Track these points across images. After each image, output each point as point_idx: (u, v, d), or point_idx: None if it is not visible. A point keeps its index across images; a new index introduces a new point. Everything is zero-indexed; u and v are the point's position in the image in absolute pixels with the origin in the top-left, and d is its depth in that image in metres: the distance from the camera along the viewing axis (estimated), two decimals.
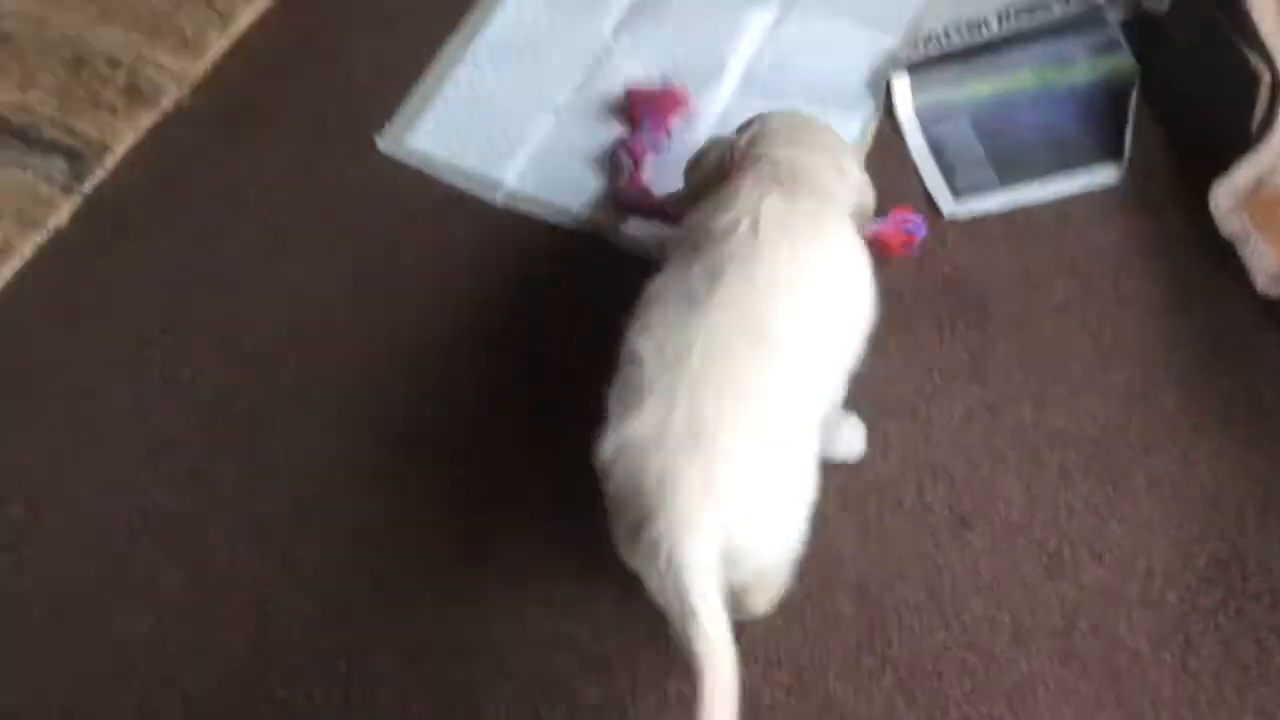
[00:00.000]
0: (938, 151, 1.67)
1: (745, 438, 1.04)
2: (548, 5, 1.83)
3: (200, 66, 1.80)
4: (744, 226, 1.16)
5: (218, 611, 1.37)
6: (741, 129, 1.36)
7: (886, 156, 1.66)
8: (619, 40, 1.78)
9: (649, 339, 1.08)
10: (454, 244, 1.62)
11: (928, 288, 1.56)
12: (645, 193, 1.60)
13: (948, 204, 1.63)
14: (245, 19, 1.85)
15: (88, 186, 1.70)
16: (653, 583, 1.00)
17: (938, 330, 1.53)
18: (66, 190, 1.69)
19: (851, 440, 1.40)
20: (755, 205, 1.18)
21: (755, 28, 1.78)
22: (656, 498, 1.00)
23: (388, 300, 1.58)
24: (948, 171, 1.66)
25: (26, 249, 1.65)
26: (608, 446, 1.05)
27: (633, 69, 1.74)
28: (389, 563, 1.40)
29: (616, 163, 1.64)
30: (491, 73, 1.77)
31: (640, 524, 1.00)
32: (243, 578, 1.40)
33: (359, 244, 1.63)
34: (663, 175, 1.61)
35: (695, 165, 1.40)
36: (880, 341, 1.41)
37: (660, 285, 1.16)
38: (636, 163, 1.62)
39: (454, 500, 1.44)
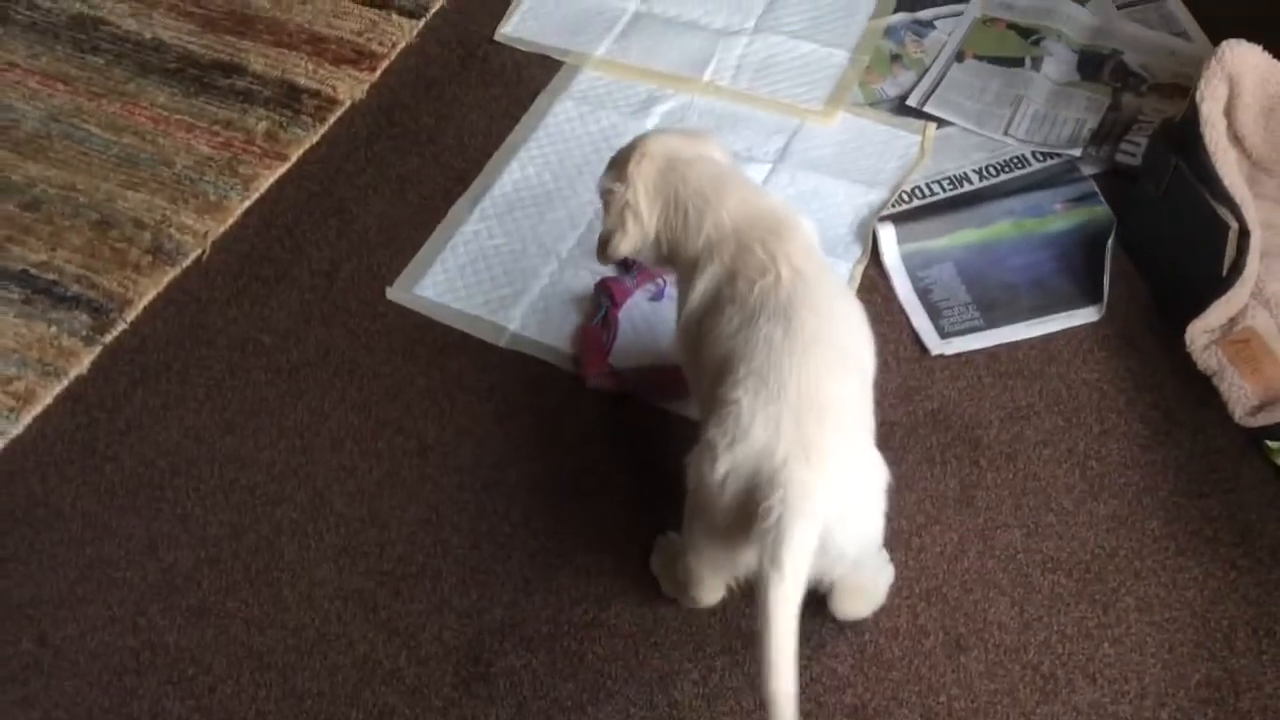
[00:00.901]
0: (924, 295, 1.75)
1: (844, 448, 1.22)
2: (551, 165, 1.94)
3: (222, 227, 1.90)
4: (783, 272, 1.30)
5: None
6: (617, 164, 1.45)
7: (874, 298, 1.74)
8: None
9: (742, 387, 1.22)
10: (458, 384, 1.68)
11: (918, 422, 1.62)
12: (601, 352, 1.68)
13: (935, 344, 1.70)
14: (266, 183, 1.97)
15: (109, 338, 1.77)
16: (758, 558, 1.14)
17: (929, 463, 1.58)
18: (88, 342, 1.77)
19: (885, 579, 1.44)
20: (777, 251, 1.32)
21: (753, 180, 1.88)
22: (772, 494, 1.15)
23: (392, 436, 1.63)
24: (934, 313, 1.73)
25: (48, 397, 1.71)
26: (719, 469, 1.20)
27: None
28: (392, 698, 1.41)
29: (597, 299, 1.72)
30: (498, 225, 1.87)
31: (755, 515, 1.15)
32: (247, 712, 1.40)
33: (365, 385, 1.69)
34: (655, 319, 1.70)
35: (609, 237, 1.46)
36: None
37: (726, 341, 1.29)
38: (615, 303, 1.71)
39: (457, 633, 1.46)
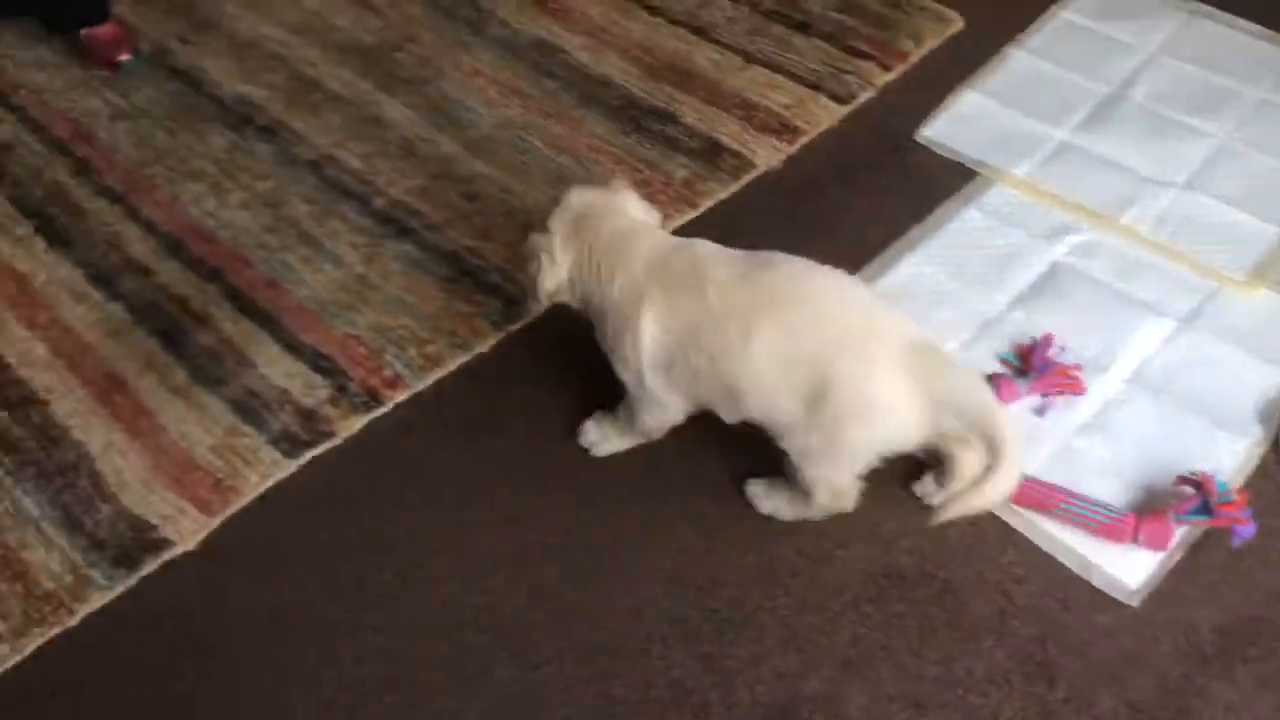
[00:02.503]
0: None
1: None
2: (948, 269, 1.97)
3: None
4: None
5: None
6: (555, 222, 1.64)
7: (1267, 485, 1.66)
8: (1012, 312, 1.89)
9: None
10: None
11: None
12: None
13: None
14: (672, 225, 2.09)
15: (513, 328, 1.94)
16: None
17: None
18: (496, 327, 1.94)
19: None
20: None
21: (1152, 334, 1.85)
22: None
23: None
24: None
25: (452, 365, 1.89)
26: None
27: (1019, 339, 1.84)
28: None
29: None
30: None
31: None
32: (563, 697, 1.50)
33: None
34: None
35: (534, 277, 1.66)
36: (1229, 665, 1.40)
37: (745, 356, 1.50)
38: (1000, 399, 1.70)
39: (770, 690, 1.50)
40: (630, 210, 1.66)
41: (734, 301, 1.51)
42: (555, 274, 1.63)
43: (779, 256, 1.56)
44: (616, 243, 1.60)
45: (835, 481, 1.56)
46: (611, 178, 2.11)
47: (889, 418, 1.49)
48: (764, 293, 1.51)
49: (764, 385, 1.51)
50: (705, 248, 1.60)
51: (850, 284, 1.57)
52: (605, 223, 1.62)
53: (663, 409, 1.63)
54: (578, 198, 1.65)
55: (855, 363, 1.46)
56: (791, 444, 1.53)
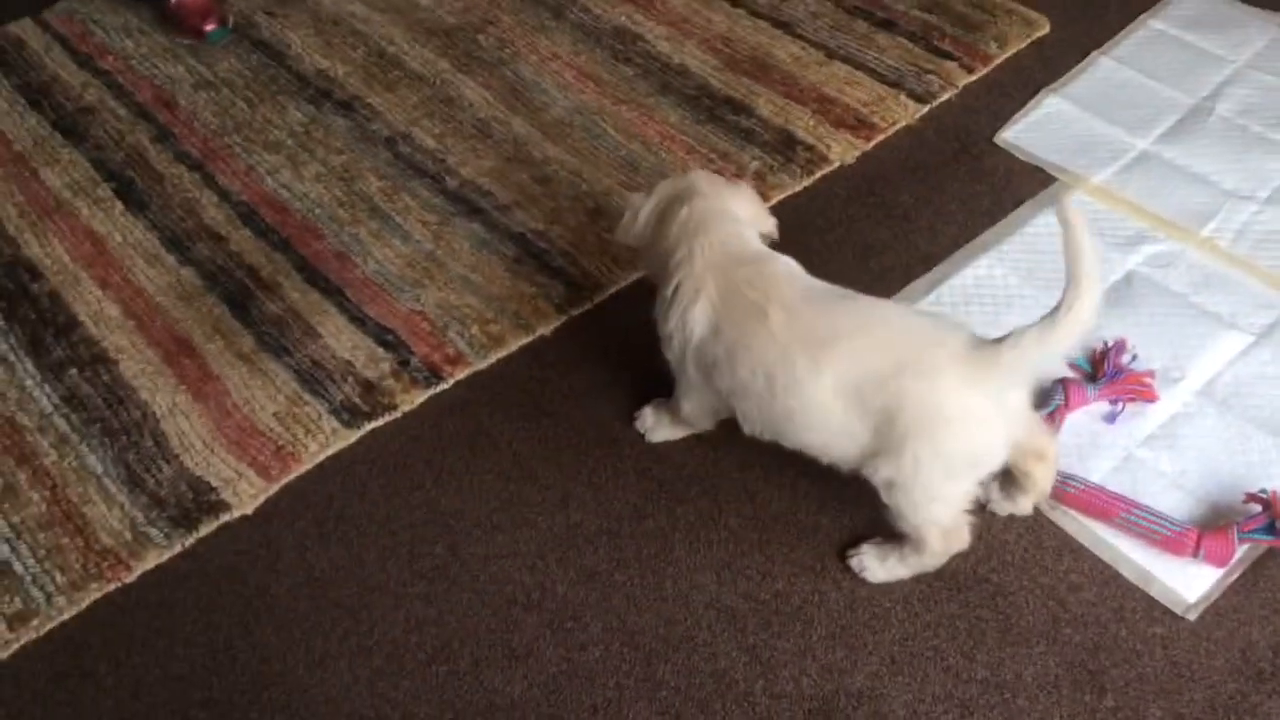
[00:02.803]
0: None
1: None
2: (1020, 272, 1.94)
3: None
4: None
5: None
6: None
7: None
8: None
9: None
10: None
11: None
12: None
13: None
14: None
15: (576, 311, 1.95)
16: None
17: None
18: (559, 310, 1.95)
19: None
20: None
21: (1226, 348, 1.81)
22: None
23: (797, 478, 1.68)
24: None
25: (513, 345, 1.90)
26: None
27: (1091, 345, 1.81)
28: (739, 719, 1.46)
29: (1051, 392, 1.71)
30: (951, 314, 1.88)
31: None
32: (608, 679, 1.51)
33: None
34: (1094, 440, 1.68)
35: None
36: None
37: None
38: (1068, 404, 1.69)
39: (815, 683, 1.49)
40: (734, 205, 1.63)
41: (801, 330, 1.46)
42: (632, 230, 1.67)
43: (850, 292, 1.54)
44: (698, 226, 1.58)
45: (937, 516, 1.48)
46: (694, 167, 2.12)
47: (963, 426, 1.42)
48: (834, 323, 1.47)
49: (832, 418, 1.45)
50: (780, 265, 1.56)
51: (912, 312, 1.55)
52: (700, 203, 1.60)
53: (700, 401, 1.62)
54: (695, 177, 1.66)
55: (919, 376, 1.40)
56: (877, 479, 1.47)
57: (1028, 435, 1.49)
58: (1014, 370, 1.40)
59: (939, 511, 1.48)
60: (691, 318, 1.54)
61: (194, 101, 2.35)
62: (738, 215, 1.63)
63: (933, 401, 1.40)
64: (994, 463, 1.47)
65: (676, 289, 1.56)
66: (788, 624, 1.55)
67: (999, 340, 1.40)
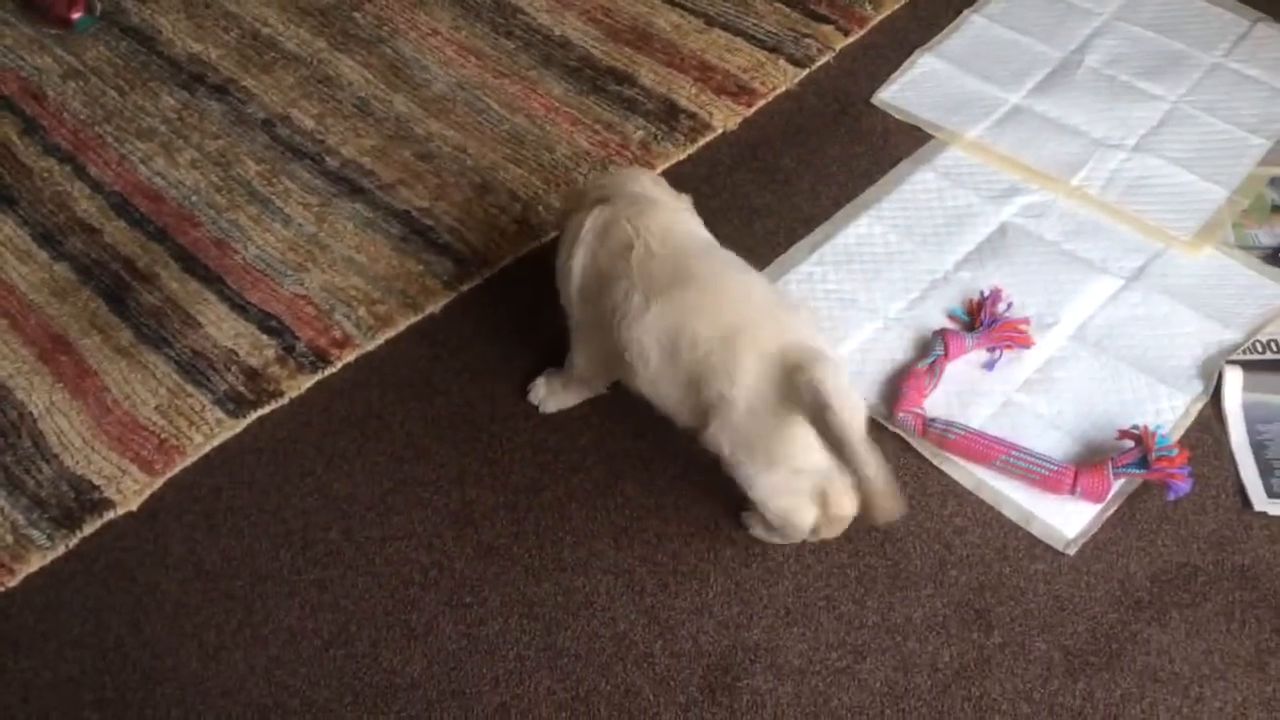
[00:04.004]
0: (1259, 448, 1.68)
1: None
2: (899, 229, 1.98)
3: None
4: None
5: None
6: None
7: (1205, 438, 1.68)
8: (960, 272, 1.91)
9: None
10: None
11: (1224, 573, 1.55)
12: (919, 394, 1.71)
13: (1260, 500, 1.62)
14: None
15: (465, 288, 1.93)
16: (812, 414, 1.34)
17: (1226, 617, 1.51)
18: (447, 286, 1.93)
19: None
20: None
21: (1099, 292, 1.86)
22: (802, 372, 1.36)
23: (692, 442, 1.69)
24: (1265, 470, 1.65)
25: (402, 325, 1.88)
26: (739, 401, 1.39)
27: (968, 296, 1.85)
28: (640, 680, 1.48)
29: (932, 345, 1.76)
30: (833, 272, 1.92)
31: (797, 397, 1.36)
32: (508, 650, 1.51)
33: None
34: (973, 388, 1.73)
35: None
36: (1162, 611, 1.42)
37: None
38: (948, 354, 1.74)
39: (713, 639, 1.51)
40: (646, 181, 1.65)
41: (651, 268, 1.47)
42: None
43: (730, 255, 1.54)
44: (605, 185, 1.62)
45: (762, 498, 1.46)
46: (569, 135, 2.12)
47: (753, 416, 1.38)
48: (681, 270, 1.46)
49: (650, 365, 1.45)
50: (665, 218, 1.55)
51: (770, 290, 1.51)
52: (617, 178, 1.65)
53: (590, 352, 1.62)
54: (607, 183, 1.65)
55: (728, 348, 1.38)
56: (706, 441, 1.45)
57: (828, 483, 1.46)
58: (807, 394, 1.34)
59: (762, 494, 1.46)
60: (577, 252, 1.55)
61: (63, 92, 2.28)
62: (651, 191, 1.62)
63: (731, 380, 1.38)
64: (803, 461, 1.41)
65: (566, 233, 1.58)
66: (684, 583, 1.56)
67: (821, 358, 1.36)
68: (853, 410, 1.33)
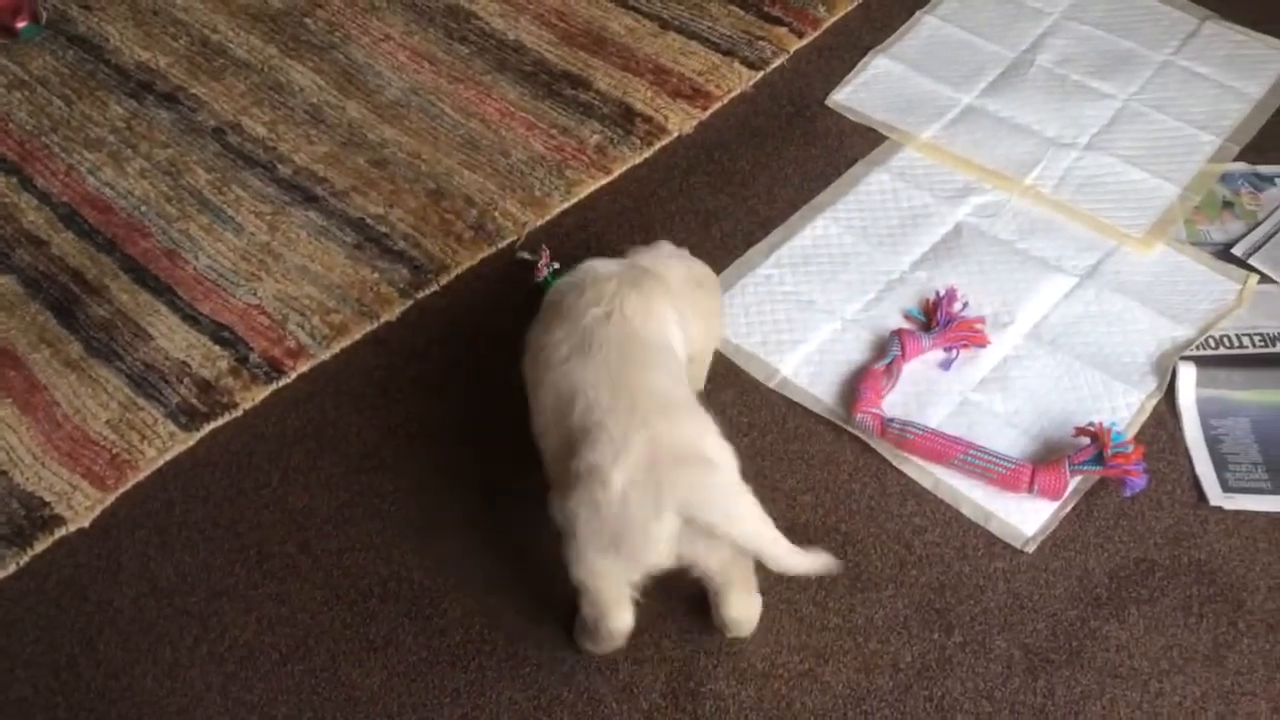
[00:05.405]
0: (1213, 443, 1.69)
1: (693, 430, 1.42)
2: (854, 229, 1.98)
3: (540, 221, 2.03)
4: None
5: None
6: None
7: (1160, 434, 1.70)
8: (916, 272, 1.91)
9: (599, 410, 1.40)
10: (721, 414, 1.71)
11: (1181, 568, 1.56)
12: (877, 394, 1.71)
13: (1215, 495, 1.64)
14: (586, 190, 2.09)
15: (421, 295, 1.92)
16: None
17: (1184, 611, 1.52)
18: (403, 294, 1.92)
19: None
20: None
21: (1052, 290, 1.88)
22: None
23: None
24: (1220, 464, 1.67)
25: (358, 334, 1.87)
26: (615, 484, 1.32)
27: (924, 296, 1.86)
28: (603, 688, 1.48)
29: (888, 345, 1.77)
30: (790, 274, 1.93)
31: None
32: (470, 661, 1.50)
33: None
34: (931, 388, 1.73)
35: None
36: (1121, 607, 1.43)
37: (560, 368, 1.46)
38: (904, 354, 1.75)
39: (676, 645, 1.50)
40: (666, 253, 1.69)
41: (598, 331, 1.45)
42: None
43: (670, 354, 1.50)
44: (641, 250, 1.68)
45: (580, 581, 1.37)
46: (525, 139, 2.11)
47: (587, 490, 1.32)
48: (623, 347, 1.44)
49: (545, 409, 1.44)
50: (654, 305, 1.51)
51: (688, 396, 1.45)
52: (653, 247, 1.69)
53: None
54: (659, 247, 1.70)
55: (620, 429, 1.33)
56: (556, 508, 1.38)
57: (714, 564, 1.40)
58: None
59: (581, 578, 1.37)
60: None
61: (8, 103, 2.24)
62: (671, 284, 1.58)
63: (614, 457, 1.31)
64: (645, 556, 1.34)
65: None
66: (647, 590, 1.55)
67: (708, 466, 1.34)
68: (733, 519, 1.32)
